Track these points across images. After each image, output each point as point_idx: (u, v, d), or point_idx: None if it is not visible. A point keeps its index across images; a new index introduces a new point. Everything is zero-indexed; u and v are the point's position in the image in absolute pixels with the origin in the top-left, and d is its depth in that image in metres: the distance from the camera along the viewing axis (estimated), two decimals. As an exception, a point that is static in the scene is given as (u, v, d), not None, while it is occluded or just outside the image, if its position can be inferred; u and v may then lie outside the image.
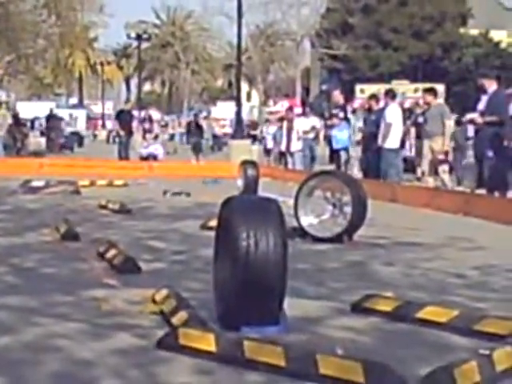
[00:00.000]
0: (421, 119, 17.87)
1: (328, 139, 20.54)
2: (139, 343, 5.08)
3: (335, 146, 20.02)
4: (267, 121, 29.86)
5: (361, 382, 4.15)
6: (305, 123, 23.08)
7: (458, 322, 5.39)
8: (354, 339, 5.28)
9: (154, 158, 27.89)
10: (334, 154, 20.40)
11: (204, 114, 40.67)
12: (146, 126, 33.17)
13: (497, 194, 13.60)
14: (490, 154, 13.63)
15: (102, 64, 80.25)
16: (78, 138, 47.05)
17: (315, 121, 23.19)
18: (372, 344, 5.21)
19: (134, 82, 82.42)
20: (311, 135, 21.96)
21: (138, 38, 56.00)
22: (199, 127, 32.39)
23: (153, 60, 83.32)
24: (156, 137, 30.34)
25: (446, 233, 10.64)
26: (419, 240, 9.93)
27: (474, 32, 51.04)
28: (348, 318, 5.82)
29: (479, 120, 13.99)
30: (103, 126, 70.39)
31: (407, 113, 25.85)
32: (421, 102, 20.20)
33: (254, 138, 31.63)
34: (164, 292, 5.98)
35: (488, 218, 12.02)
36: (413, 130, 21.03)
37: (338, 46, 50.18)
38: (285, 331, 5.22)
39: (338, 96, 20.89)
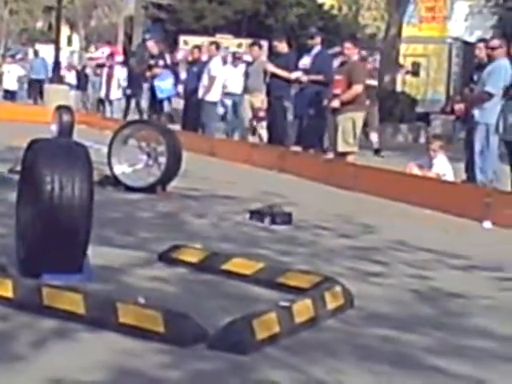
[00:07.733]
0: None
1: (151, 90, 20.04)
2: None
3: (160, 95, 19.56)
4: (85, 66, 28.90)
5: (160, 331, 4.12)
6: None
7: (263, 275, 5.44)
8: (159, 289, 5.23)
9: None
10: (157, 105, 20.03)
11: (20, 55, 39.03)
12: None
13: (312, 151, 13.86)
14: (311, 112, 13.84)
15: None
16: None
17: None
18: (176, 294, 5.18)
19: None
20: None
21: None
22: None
23: (-32, -3, 79.40)
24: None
25: (259, 188, 10.75)
26: (232, 194, 9.99)
27: (299, -9, 51.69)
28: (154, 268, 5.77)
29: (304, 78, 14.13)
30: None
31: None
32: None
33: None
34: (-38, 236, 5.72)
35: (302, 175, 12.24)
36: None
37: (164, -4, 49.56)
38: (88, 279, 5.10)
39: (152, 46, 20.30)
